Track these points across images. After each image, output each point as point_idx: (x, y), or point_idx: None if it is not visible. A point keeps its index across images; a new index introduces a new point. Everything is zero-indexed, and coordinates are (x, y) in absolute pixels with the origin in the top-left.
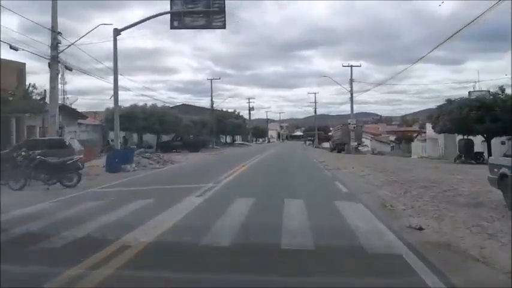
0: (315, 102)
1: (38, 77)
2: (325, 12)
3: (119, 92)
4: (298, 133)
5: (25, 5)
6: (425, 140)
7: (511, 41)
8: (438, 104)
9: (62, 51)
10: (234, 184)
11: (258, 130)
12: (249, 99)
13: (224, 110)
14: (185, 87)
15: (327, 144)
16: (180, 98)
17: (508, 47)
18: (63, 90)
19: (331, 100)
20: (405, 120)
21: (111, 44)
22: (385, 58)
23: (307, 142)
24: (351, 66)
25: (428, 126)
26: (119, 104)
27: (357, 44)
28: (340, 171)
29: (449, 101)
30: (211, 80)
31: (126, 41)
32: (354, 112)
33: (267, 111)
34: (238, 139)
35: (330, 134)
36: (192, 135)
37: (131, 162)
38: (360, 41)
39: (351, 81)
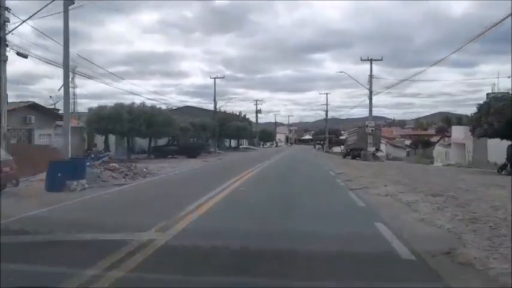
0: (327, 104)
1: None
2: (337, 15)
3: (128, 96)
4: (307, 137)
5: None
6: (449, 144)
7: (511, 41)
8: (474, 106)
9: (11, 31)
10: (199, 227)
11: (265, 133)
12: (256, 101)
13: (229, 111)
14: (196, 91)
15: (337, 149)
16: (191, 102)
17: None
18: (74, 94)
19: (342, 104)
20: (419, 123)
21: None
22: (397, 61)
23: (317, 146)
24: (371, 60)
25: (456, 129)
26: (104, 103)
27: (368, 47)
28: (369, 192)
29: (494, 98)
30: (214, 78)
31: (137, 44)
32: (364, 116)
33: (275, 114)
34: (244, 143)
35: (341, 138)
36: (193, 138)
37: (82, 178)
38: (372, 44)
39: (371, 77)
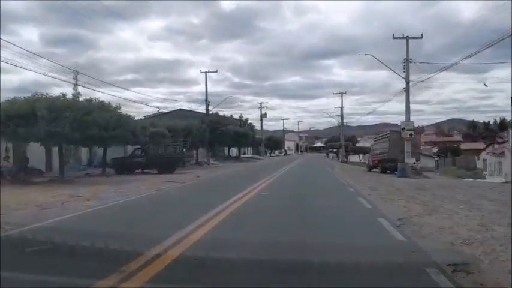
0: (342, 106)
1: None
2: (345, 20)
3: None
4: (319, 144)
5: None
6: (501, 153)
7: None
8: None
9: None
10: None
11: (272, 141)
12: (261, 103)
13: (227, 115)
14: (204, 98)
15: (354, 158)
16: (200, 110)
17: None
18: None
19: (351, 111)
20: (441, 129)
21: None
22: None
23: (330, 155)
24: (407, 37)
25: None
26: None
27: (378, 53)
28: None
29: None
30: (205, 73)
31: (144, 51)
32: (374, 123)
33: (283, 120)
34: (248, 151)
35: (358, 145)
36: (173, 146)
37: None
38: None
39: (407, 61)
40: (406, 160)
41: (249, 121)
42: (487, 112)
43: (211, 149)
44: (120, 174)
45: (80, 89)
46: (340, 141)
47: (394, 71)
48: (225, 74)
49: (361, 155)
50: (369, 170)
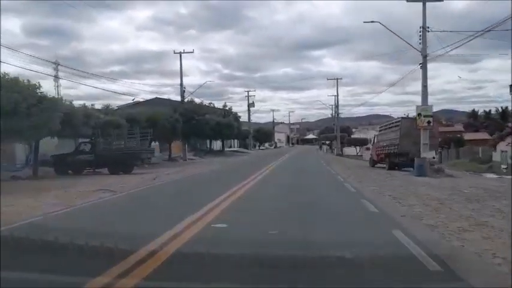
0: (337, 95)
1: None
2: (335, 11)
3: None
4: (311, 136)
5: None
6: None
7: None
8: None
9: None
10: None
11: (261, 133)
12: (248, 91)
13: (208, 103)
14: (193, 90)
15: (350, 151)
16: (160, 94)
17: None
18: (58, 93)
19: (343, 102)
20: (438, 119)
21: None
22: (398, 57)
23: (324, 147)
24: (424, 0)
25: None
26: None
27: (368, 44)
28: None
29: None
30: (180, 53)
31: (131, 42)
32: (365, 115)
33: (273, 110)
34: (234, 144)
35: (354, 137)
36: (138, 139)
37: None
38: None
39: (424, 30)
40: (423, 154)
41: (239, 114)
42: (477, 103)
43: (188, 142)
44: (62, 174)
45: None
46: (334, 132)
47: (407, 42)
48: (214, 66)
49: (357, 147)
50: (372, 166)
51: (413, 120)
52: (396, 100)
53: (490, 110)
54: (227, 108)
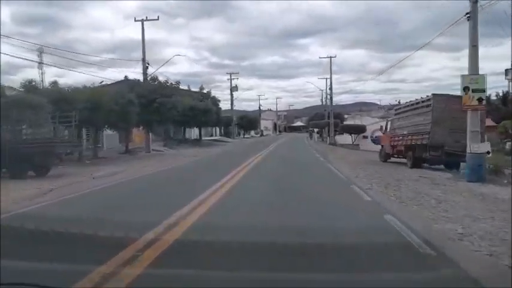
0: (330, 77)
1: None
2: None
3: None
4: (299, 123)
5: None
6: None
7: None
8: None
9: None
10: None
11: (245, 120)
12: (230, 73)
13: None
14: (182, 79)
15: (344, 139)
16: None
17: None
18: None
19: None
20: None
21: None
22: (384, 45)
23: (314, 135)
24: None
25: None
26: None
27: (355, 32)
28: None
29: None
30: (141, 21)
31: (119, 31)
32: (351, 102)
33: (259, 96)
34: (216, 132)
35: (347, 123)
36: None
37: None
38: (359, 28)
39: None
40: (474, 147)
41: (225, 101)
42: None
43: (151, 129)
44: None
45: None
46: (325, 118)
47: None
48: (202, 54)
49: (353, 136)
50: (384, 161)
51: (452, 99)
52: (382, 88)
53: (489, 95)
54: (205, 91)
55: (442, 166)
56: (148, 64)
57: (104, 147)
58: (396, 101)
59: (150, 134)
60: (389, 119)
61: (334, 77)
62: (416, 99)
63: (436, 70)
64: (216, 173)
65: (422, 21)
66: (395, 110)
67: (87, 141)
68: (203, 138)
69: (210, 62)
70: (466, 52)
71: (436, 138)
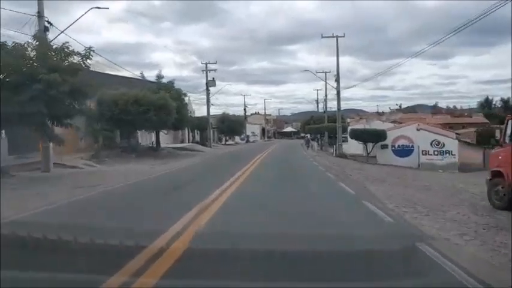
0: (337, 64)
1: None
2: (310, 5)
3: None
4: (289, 129)
5: None
6: None
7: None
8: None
9: None
10: None
11: (227, 123)
12: (206, 63)
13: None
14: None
15: (351, 148)
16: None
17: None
18: None
19: (319, 97)
20: (437, 109)
21: None
22: (372, 53)
23: (312, 143)
24: None
25: None
26: None
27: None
28: None
29: None
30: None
31: (104, 34)
32: (336, 110)
33: (244, 95)
34: (189, 138)
35: (353, 127)
36: None
37: None
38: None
39: None
40: None
41: (174, 84)
42: (449, 98)
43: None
44: None
45: None
46: (324, 122)
47: None
48: (190, 58)
49: (367, 145)
50: (504, 208)
51: None
52: (369, 95)
53: (492, 100)
54: (169, 81)
55: None
56: (49, 23)
57: None
58: (391, 108)
59: (48, 139)
60: None
61: (322, 83)
62: None
63: (424, 78)
64: None
65: (408, 28)
66: None
67: None
68: (168, 145)
69: (197, 66)
70: (454, 61)
71: None
